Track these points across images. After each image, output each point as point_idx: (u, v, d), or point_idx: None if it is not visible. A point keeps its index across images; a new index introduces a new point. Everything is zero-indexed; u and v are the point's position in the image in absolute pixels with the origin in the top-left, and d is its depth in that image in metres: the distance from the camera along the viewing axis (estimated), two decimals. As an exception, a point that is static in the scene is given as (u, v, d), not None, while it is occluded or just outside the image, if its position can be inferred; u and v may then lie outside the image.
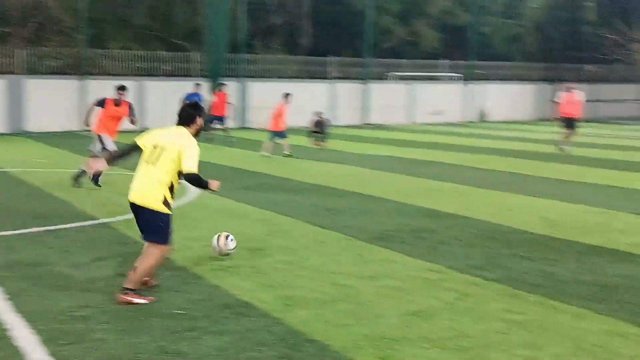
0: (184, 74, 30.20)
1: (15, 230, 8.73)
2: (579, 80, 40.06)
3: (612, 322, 5.56)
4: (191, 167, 5.91)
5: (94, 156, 11.74)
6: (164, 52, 30.50)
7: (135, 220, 6.30)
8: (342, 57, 35.51)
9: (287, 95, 19.02)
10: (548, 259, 7.53)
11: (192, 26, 32.56)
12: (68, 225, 9.07)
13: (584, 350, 5.00)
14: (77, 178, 12.44)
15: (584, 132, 21.93)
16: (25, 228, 8.84)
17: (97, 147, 12.65)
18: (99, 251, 7.70)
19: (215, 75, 28.81)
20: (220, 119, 23.16)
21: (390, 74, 34.78)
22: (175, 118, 6.25)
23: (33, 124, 26.16)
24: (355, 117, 33.51)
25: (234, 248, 7.48)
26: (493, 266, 7.23)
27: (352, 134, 27.79)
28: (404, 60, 36.97)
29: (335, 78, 34.07)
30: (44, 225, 9.00)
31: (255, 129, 25.51)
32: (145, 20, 31.81)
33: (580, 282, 6.67)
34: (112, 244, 8.11)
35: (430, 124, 33.91)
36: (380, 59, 36.34)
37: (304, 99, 30.36)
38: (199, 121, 6.20)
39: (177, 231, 8.79)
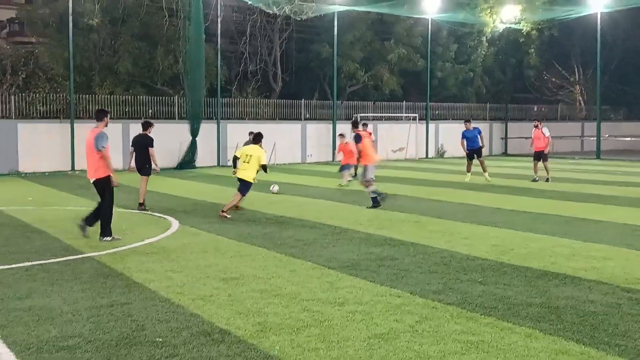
0: (166, 116, 30.16)
1: (6, 265, 8.54)
2: (528, 119, 40.91)
3: (560, 342, 5.58)
4: (265, 162, 13.29)
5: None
6: (147, 97, 30.44)
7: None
8: (312, 100, 35.78)
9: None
10: (500, 283, 7.57)
11: (173, 72, 32.54)
12: (56, 260, 8.91)
13: (535, 368, 5.00)
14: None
15: (528, 165, 22.29)
16: (17, 263, 8.66)
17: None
18: (84, 283, 7.56)
19: (194, 117, 28.80)
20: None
21: (355, 114, 35.09)
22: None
23: (25, 165, 25.82)
24: (324, 155, 33.66)
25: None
26: (451, 291, 7.25)
27: (322, 169, 27.85)
28: (368, 102, 37.41)
29: (306, 119, 34.29)
30: (34, 260, 8.83)
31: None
32: (129, 68, 31.73)
33: (530, 305, 6.70)
34: (97, 276, 7.97)
35: (393, 160, 34.14)
36: (347, 101, 36.72)
37: (278, 139, 30.47)
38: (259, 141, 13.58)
39: (159, 262, 8.72)
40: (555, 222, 12.40)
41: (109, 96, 29.64)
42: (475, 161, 21.38)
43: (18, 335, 5.69)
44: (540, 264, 8.59)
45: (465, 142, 21.27)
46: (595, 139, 36.51)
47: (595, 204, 15.13)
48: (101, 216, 10.40)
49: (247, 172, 13.25)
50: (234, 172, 13.59)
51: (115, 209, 10.82)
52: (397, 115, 37.39)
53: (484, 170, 21.02)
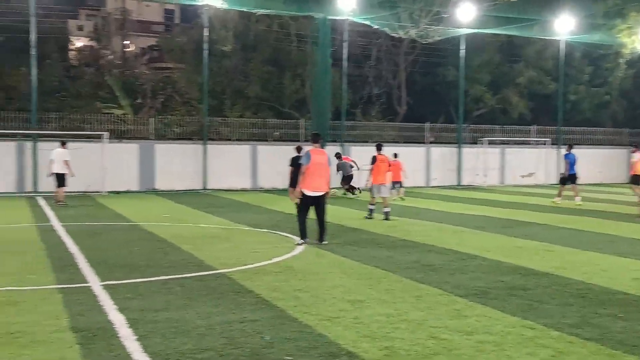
0: (292, 139, 30.94)
1: (146, 278, 9.06)
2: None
3: None
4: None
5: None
6: (274, 120, 31.40)
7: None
8: (436, 124, 35.45)
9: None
10: (644, 320, 7.06)
11: (299, 96, 33.44)
12: (190, 275, 9.32)
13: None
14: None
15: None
16: (155, 276, 9.16)
17: None
18: (216, 299, 7.85)
19: (319, 140, 29.31)
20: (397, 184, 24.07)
21: (482, 138, 34.36)
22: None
23: (161, 183, 27.36)
24: (449, 179, 33.16)
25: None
26: (588, 325, 6.85)
27: (446, 194, 27.42)
28: (495, 126, 36.49)
29: (430, 142, 33.99)
30: (170, 274, 9.29)
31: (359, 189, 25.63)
32: (259, 92, 32.95)
33: (679, 344, 6.19)
34: (228, 292, 8.24)
35: (521, 186, 33.02)
36: (473, 125, 36.04)
37: (401, 162, 30.33)
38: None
39: (286, 282, 8.90)
40: None
41: (238, 119, 30.88)
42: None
43: (157, 345, 5.98)
44: (690, 302, 7.93)
45: (568, 166, 21.77)
46: None
47: None
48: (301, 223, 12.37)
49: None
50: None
51: (244, 228, 11.23)
52: (526, 139, 36.18)
53: (576, 195, 21.55)
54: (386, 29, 31.13)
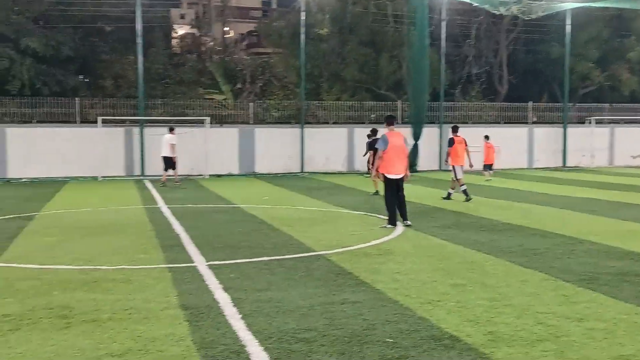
0: (389, 121, 30.66)
1: (248, 258, 9.29)
2: None
3: None
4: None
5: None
6: (371, 102, 31.28)
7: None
8: (540, 103, 34.19)
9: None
10: None
11: (396, 78, 33.10)
12: (291, 256, 9.49)
13: None
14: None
15: None
16: (256, 257, 9.38)
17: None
18: (317, 280, 7.94)
19: (416, 122, 28.98)
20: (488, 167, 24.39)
21: (589, 117, 32.84)
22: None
23: (260, 166, 27.96)
24: (552, 160, 31.97)
25: None
26: None
27: (550, 176, 26.45)
28: (604, 105, 34.76)
29: (533, 123, 32.84)
30: (272, 255, 9.49)
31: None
32: (355, 74, 32.88)
33: None
34: (328, 273, 8.32)
35: (632, 167, 31.35)
36: (579, 104, 34.49)
37: (502, 143, 29.56)
38: None
39: (385, 264, 8.89)
40: None
41: (335, 102, 30.99)
42: None
43: (260, 324, 6.13)
44: None
45: None
46: None
47: None
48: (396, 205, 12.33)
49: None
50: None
51: (341, 210, 11.28)
52: (638, 118, 34.25)
53: None
54: (486, 6, 30.22)
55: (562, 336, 5.78)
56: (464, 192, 16.96)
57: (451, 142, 17.37)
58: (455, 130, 17.76)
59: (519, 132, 31.77)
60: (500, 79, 37.73)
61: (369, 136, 25.41)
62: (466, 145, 17.59)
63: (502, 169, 29.10)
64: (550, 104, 35.02)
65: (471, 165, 17.93)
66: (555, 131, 32.41)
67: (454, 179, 17.22)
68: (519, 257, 9.32)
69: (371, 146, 18.79)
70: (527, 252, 9.71)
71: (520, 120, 32.74)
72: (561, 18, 32.29)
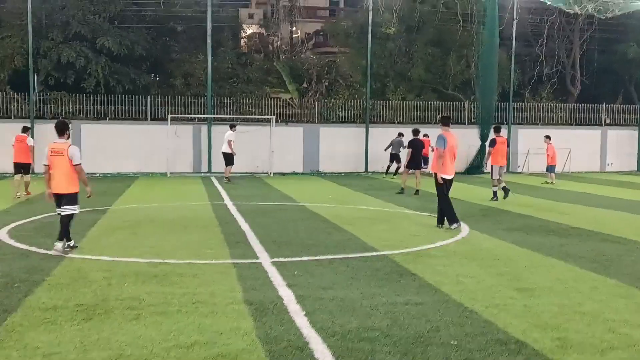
0: (455, 121, 30.28)
1: (312, 256, 9.36)
2: None
3: None
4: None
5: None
6: (438, 102, 30.93)
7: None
8: (614, 104, 33.06)
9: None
10: None
11: (464, 78, 32.61)
12: (354, 255, 9.50)
13: None
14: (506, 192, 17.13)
15: None
16: (320, 255, 9.44)
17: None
18: (380, 280, 7.93)
19: (484, 122, 28.50)
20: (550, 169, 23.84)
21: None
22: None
23: (325, 165, 28.07)
24: (626, 164, 30.88)
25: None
26: None
27: (623, 180, 25.56)
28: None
29: (607, 125, 31.79)
30: (335, 254, 9.53)
31: (524, 174, 24.67)
32: (422, 74, 32.57)
33: None
34: (392, 273, 8.29)
35: None
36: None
37: (573, 145, 28.78)
38: None
39: (450, 266, 8.79)
40: None
41: (401, 102, 30.79)
42: None
43: (324, 322, 6.17)
44: None
45: None
46: None
47: None
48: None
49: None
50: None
51: (405, 211, 11.21)
52: None
53: None
54: (560, 5, 29.41)
55: (634, 345, 5.60)
56: (494, 192, 17.23)
57: (493, 143, 17.28)
58: (497, 130, 17.72)
59: (591, 134, 30.82)
60: (573, 79, 36.67)
61: (399, 135, 25.44)
62: (508, 146, 17.67)
63: (572, 172, 28.31)
64: (625, 105, 33.80)
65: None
66: (629, 134, 31.29)
67: (497, 178, 17.27)
68: (590, 263, 9.06)
69: (412, 145, 19.06)
70: (599, 258, 9.43)
71: (593, 122, 31.74)
72: (638, 17, 31.11)
